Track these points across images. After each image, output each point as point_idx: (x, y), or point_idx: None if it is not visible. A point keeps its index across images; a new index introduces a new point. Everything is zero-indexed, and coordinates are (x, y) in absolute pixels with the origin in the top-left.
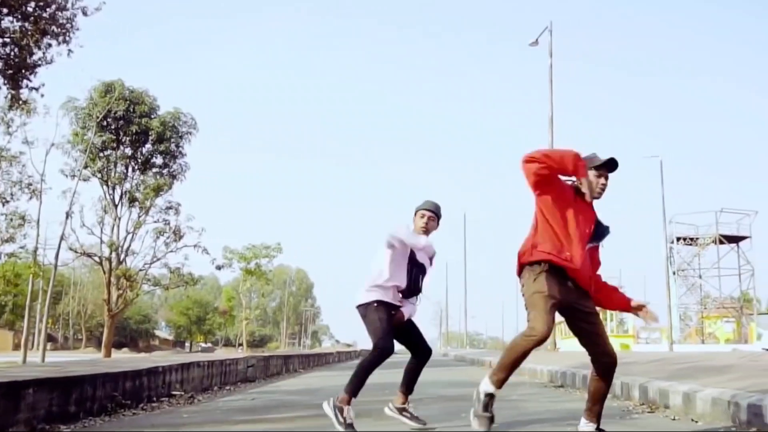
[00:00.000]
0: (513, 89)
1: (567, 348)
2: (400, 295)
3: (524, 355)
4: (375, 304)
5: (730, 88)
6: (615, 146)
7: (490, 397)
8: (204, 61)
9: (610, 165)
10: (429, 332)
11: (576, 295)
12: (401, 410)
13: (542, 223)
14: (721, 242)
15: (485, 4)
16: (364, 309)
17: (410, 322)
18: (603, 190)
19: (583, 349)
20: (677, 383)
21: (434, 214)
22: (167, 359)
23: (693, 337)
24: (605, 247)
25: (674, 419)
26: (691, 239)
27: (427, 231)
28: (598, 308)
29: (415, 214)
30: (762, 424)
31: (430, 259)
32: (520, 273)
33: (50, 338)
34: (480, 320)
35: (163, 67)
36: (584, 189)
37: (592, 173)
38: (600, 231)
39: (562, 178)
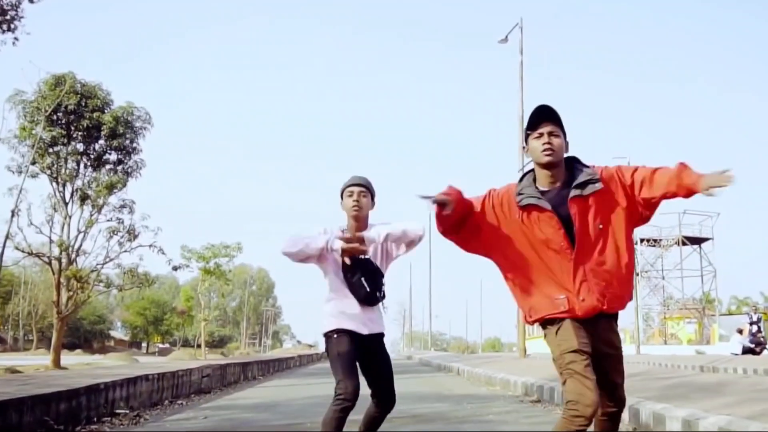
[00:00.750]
0: (482, 92)
1: (534, 350)
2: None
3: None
4: (335, 335)
5: (699, 87)
6: (589, 146)
7: None
8: (159, 58)
9: (540, 115)
10: (392, 332)
11: (594, 338)
12: None
13: (511, 277)
14: (684, 243)
15: (452, 7)
16: (326, 342)
17: (381, 355)
18: (551, 150)
19: (545, 349)
20: (673, 407)
21: (365, 188)
22: (113, 373)
23: (656, 338)
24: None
25: None
26: (655, 240)
27: (360, 209)
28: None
29: (341, 195)
30: None
31: (390, 244)
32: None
33: (2, 341)
34: (443, 320)
35: (119, 60)
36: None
37: (531, 138)
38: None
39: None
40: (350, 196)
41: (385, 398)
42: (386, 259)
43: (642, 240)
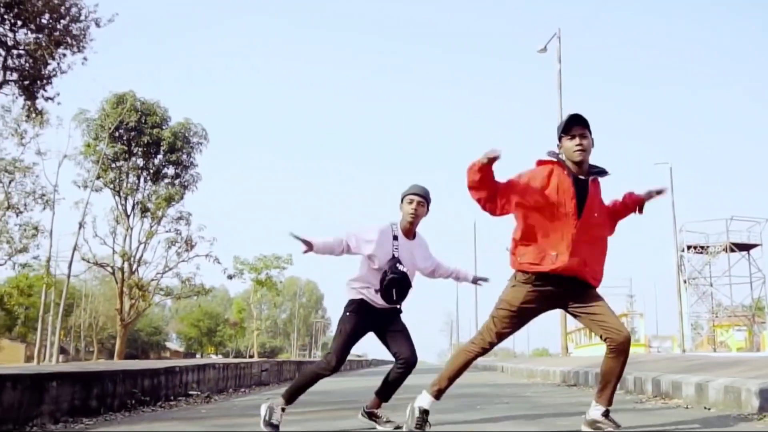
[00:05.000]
0: (519, 100)
1: (579, 353)
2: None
3: (466, 364)
4: (348, 313)
5: (742, 100)
6: (625, 155)
7: (425, 413)
8: (215, 73)
9: (573, 121)
10: (439, 343)
11: (571, 295)
12: (371, 414)
13: (520, 224)
14: (732, 250)
15: (488, 19)
16: (342, 314)
17: (397, 322)
18: (582, 150)
19: (590, 352)
20: (690, 375)
21: (423, 198)
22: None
23: (704, 345)
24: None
25: (687, 408)
26: (702, 247)
27: (416, 217)
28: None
29: (402, 200)
30: None
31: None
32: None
33: (62, 350)
34: None
35: (172, 78)
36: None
37: (565, 139)
38: (587, 193)
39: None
40: (410, 203)
41: (407, 355)
42: (419, 269)
43: (689, 247)
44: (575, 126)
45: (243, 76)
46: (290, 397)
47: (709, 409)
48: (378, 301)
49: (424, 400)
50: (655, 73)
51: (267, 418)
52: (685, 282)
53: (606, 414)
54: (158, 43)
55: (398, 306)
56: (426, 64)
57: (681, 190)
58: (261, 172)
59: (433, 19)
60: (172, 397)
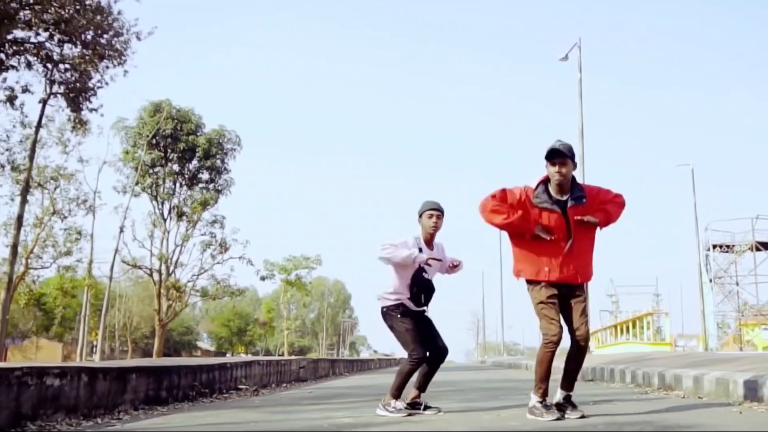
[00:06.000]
0: (538, 106)
1: (601, 353)
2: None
3: (550, 361)
4: (398, 315)
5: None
6: (648, 157)
7: (542, 403)
8: (241, 74)
9: (552, 154)
10: (466, 342)
11: (567, 293)
12: (413, 404)
13: (517, 250)
14: (758, 249)
15: (512, 23)
16: (389, 318)
17: (426, 321)
18: (561, 175)
19: (612, 351)
20: (689, 369)
21: (441, 212)
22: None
23: (730, 344)
24: None
25: (684, 397)
26: (728, 246)
27: (436, 229)
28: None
29: (421, 216)
30: (755, 396)
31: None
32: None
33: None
34: (517, 330)
35: (197, 78)
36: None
37: (547, 164)
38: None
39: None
40: (430, 217)
41: (438, 348)
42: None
43: (714, 246)
44: (557, 157)
45: (270, 76)
46: (397, 392)
47: (701, 398)
48: (411, 306)
49: (535, 399)
50: (679, 75)
51: (393, 410)
52: (710, 281)
53: (567, 398)
54: (180, 46)
55: (425, 308)
56: (455, 65)
57: (707, 190)
58: (283, 172)
59: (459, 20)
60: (224, 390)
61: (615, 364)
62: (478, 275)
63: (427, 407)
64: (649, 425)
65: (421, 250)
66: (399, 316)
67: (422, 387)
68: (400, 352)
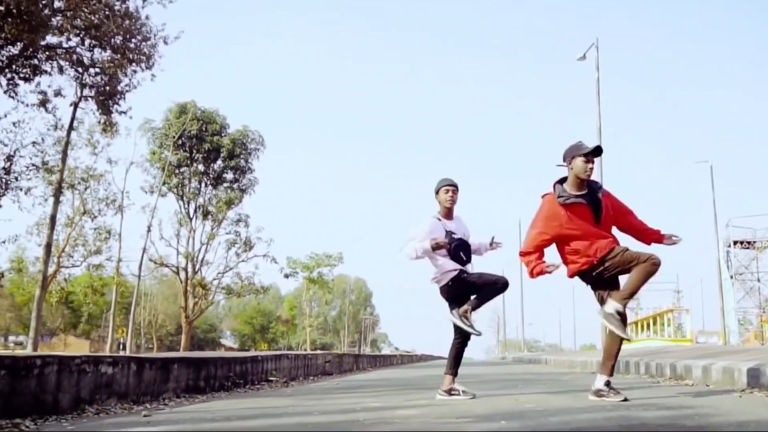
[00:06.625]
0: (555, 106)
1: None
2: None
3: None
4: (447, 285)
5: None
6: (666, 155)
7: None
8: (262, 69)
9: (595, 152)
10: (487, 340)
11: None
12: (449, 391)
13: (563, 248)
14: None
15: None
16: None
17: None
18: (591, 171)
19: (632, 347)
20: (699, 360)
21: (455, 186)
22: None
23: (752, 340)
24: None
25: (692, 385)
26: (749, 243)
27: (453, 202)
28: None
29: (438, 192)
30: (757, 383)
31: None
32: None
33: (123, 346)
34: (537, 328)
35: (219, 74)
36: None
37: (580, 159)
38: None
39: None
40: (447, 192)
41: (494, 279)
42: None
43: (735, 242)
44: (596, 155)
45: (293, 71)
46: (453, 371)
47: (709, 386)
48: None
49: (600, 380)
50: (697, 73)
51: (459, 392)
52: (731, 277)
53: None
54: (202, 40)
55: (469, 264)
56: (474, 64)
57: (727, 187)
58: (305, 168)
59: (477, 20)
60: (256, 382)
61: (630, 357)
62: (498, 272)
63: (464, 392)
64: (653, 406)
65: (440, 220)
66: (449, 284)
67: (455, 370)
68: (421, 348)
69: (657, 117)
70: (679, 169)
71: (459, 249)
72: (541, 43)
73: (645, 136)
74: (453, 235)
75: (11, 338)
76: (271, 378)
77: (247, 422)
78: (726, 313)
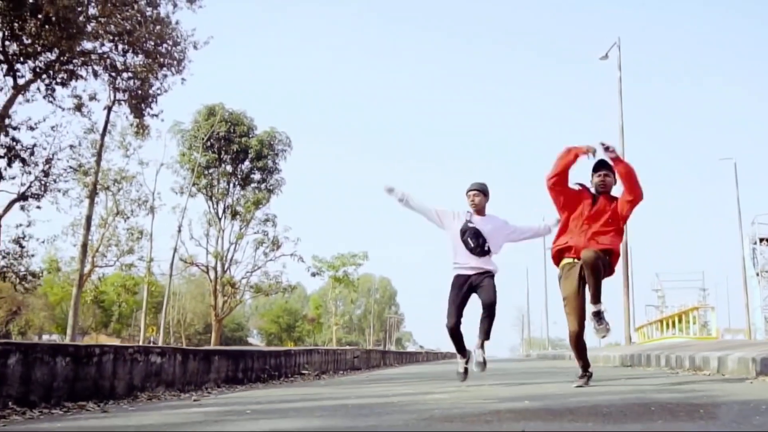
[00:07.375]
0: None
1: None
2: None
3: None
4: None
5: None
6: (690, 152)
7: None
8: (288, 66)
9: (599, 165)
10: (511, 338)
11: None
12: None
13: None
14: None
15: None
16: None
17: (485, 284)
18: (602, 183)
19: (659, 341)
20: (716, 352)
21: (478, 191)
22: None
23: None
24: None
25: (709, 375)
26: None
27: (476, 206)
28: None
29: (467, 193)
30: None
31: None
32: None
33: (155, 345)
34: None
35: (246, 73)
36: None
37: (594, 175)
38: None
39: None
40: (469, 197)
41: (484, 298)
42: (501, 237)
43: (762, 239)
44: (601, 168)
45: (316, 68)
46: (462, 352)
47: (724, 375)
48: (469, 263)
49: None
50: (719, 70)
51: (479, 359)
52: (757, 275)
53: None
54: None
55: (487, 254)
56: (495, 64)
57: (752, 184)
58: (330, 165)
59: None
60: (289, 375)
61: (651, 351)
62: (523, 271)
63: (479, 362)
64: (667, 390)
65: (470, 213)
66: (451, 284)
67: (487, 335)
68: (446, 347)
69: (680, 115)
70: (702, 167)
71: (468, 236)
72: (562, 42)
73: (668, 134)
74: (469, 224)
75: (45, 337)
76: (303, 371)
77: (291, 404)
78: (752, 311)
